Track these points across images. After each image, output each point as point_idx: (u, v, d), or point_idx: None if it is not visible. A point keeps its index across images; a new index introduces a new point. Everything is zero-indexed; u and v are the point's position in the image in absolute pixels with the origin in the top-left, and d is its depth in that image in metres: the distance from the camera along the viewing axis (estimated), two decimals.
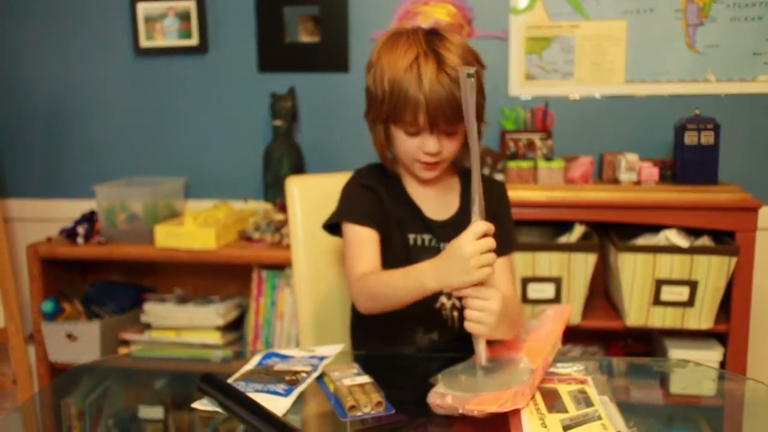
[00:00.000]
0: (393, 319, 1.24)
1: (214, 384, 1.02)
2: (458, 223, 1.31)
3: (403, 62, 1.18)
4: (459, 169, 1.38)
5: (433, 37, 1.21)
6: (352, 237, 1.27)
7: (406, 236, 1.31)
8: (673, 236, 1.88)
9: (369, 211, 1.29)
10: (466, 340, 1.09)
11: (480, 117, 1.24)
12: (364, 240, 1.27)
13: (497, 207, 1.32)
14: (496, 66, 2.21)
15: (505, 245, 1.31)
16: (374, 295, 1.21)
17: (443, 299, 1.31)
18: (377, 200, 1.31)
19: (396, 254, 1.29)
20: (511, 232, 1.38)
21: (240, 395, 0.99)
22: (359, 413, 0.97)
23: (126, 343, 2.21)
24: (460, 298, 1.21)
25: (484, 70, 1.27)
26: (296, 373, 1.09)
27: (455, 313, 1.32)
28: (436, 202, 1.34)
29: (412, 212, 1.32)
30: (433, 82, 1.16)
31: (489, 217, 1.21)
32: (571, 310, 1.17)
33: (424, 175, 1.28)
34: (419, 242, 1.31)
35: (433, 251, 1.30)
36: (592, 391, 1.00)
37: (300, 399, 1.04)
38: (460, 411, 0.94)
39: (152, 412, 1.10)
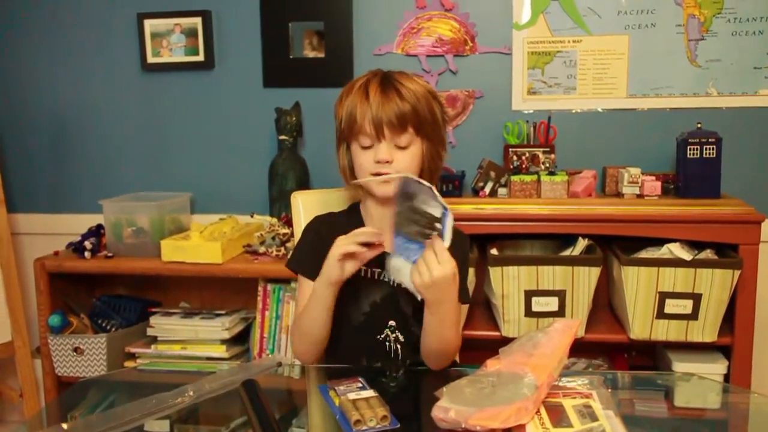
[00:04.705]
0: (341, 348, 1.34)
1: (252, 391, 1.06)
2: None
3: (356, 86, 1.34)
4: None
5: (388, 71, 1.36)
6: (300, 287, 1.39)
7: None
8: (676, 249, 1.88)
9: (313, 264, 1.35)
10: (409, 371, 1.18)
11: (434, 141, 1.35)
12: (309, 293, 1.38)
13: (459, 261, 1.35)
14: (499, 81, 2.23)
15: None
16: (300, 328, 1.34)
17: (387, 331, 1.35)
18: (322, 245, 1.36)
19: (346, 287, 1.32)
20: (464, 286, 1.40)
21: (263, 411, 1.01)
22: (364, 427, 0.98)
23: (132, 356, 2.22)
24: (403, 332, 1.35)
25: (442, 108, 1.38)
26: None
27: (398, 346, 1.36)
28: None
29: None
30: (377, 92, 1.29)
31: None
32: (579, 325, 1.17)
33: (380, 190, 1.33)
34: (369, 275, 1.35)
35: (382, 285, 1.35)
36: (596, 405, 1.01)
37: (305, 413, 1.04)
38: (463, 426, 0.95)
39: (158, 426, 1.10)
